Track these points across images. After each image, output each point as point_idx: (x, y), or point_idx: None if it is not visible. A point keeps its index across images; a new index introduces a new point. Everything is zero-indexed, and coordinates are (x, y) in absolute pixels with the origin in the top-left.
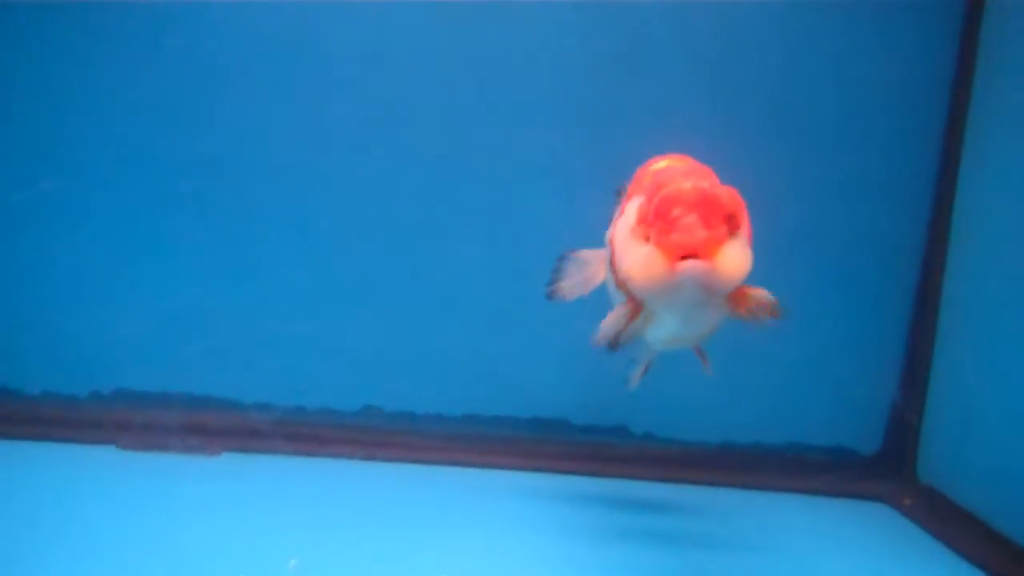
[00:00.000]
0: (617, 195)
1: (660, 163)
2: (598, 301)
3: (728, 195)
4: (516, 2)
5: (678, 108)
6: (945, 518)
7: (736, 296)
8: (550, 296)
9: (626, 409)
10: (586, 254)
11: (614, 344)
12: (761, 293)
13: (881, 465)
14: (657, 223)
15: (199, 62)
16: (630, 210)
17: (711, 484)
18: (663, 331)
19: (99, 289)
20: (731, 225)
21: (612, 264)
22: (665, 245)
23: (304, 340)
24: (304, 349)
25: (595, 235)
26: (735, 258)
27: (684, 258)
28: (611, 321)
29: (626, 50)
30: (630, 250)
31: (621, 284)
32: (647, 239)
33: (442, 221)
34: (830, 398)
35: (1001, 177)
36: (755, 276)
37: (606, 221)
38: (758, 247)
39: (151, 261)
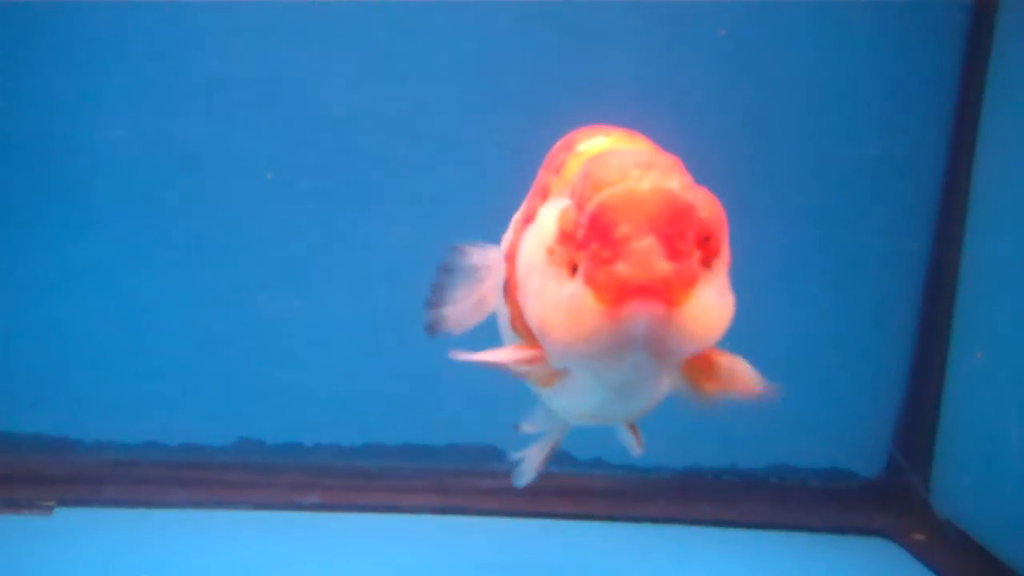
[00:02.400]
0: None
1: (596, 141)
2: None
3: (706, 203)
4: None
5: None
6: (964, 560)
7: (697, 363)
8: (430, 330)
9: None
10: (483, 256)
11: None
12: (737, 365)
13: (886, 492)
14: (592, 245)
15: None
16: (545, 218)
17: (675, 521)
18: (581, 404)
19: None
20: (707, 252)
21: (507, 291)
22: (604, 282)
23: (158, 360)
24: (159, 371)
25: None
26: (712, 306)
27: (632, 302)
28: (505, 359)
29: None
30: (545, 285)
31: (523, 327)
32: (573, 269)
33: (327, 220)
34: (822, 410)
35: (1018, 177)
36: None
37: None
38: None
39: None
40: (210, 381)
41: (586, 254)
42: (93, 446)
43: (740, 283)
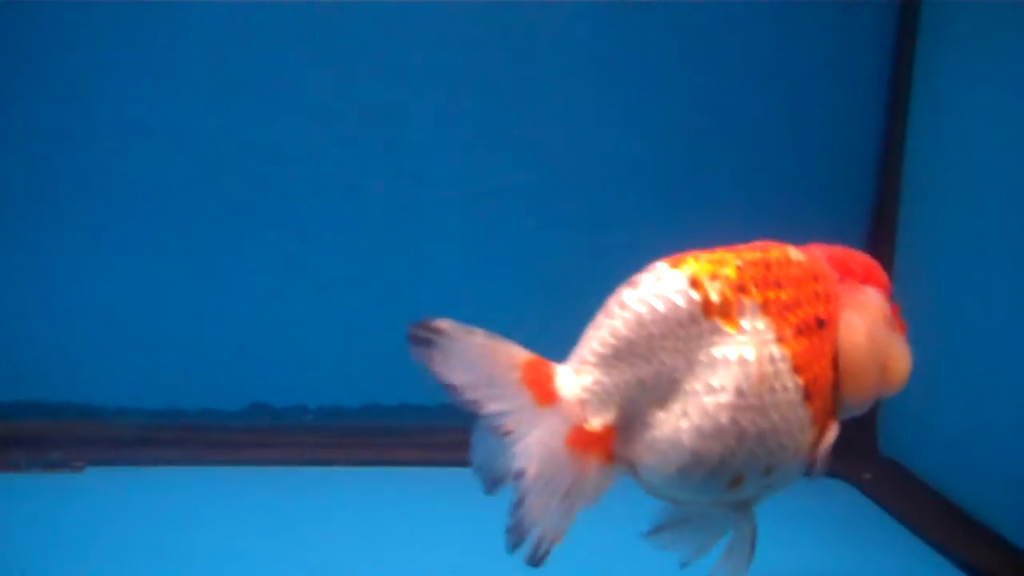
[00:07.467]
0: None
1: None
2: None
3: None
4: None
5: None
6: (907, 495)
7: None
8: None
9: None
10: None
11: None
12: None
13: (839, 437)
14: (900, 317)
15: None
16: (875, 307)
17: None
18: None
19: None
20: None
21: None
22: (903, 335)
23: (174, 333)
24: (174, 343)
25: None
26: None
27: None
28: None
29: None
30: (903, 346)
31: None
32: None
33: (327, 199)
34: None
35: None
36: None
37: None
38: None
39: None
40: (218, 350)
41: (896, 317)
42: (117, 411)
43: None
